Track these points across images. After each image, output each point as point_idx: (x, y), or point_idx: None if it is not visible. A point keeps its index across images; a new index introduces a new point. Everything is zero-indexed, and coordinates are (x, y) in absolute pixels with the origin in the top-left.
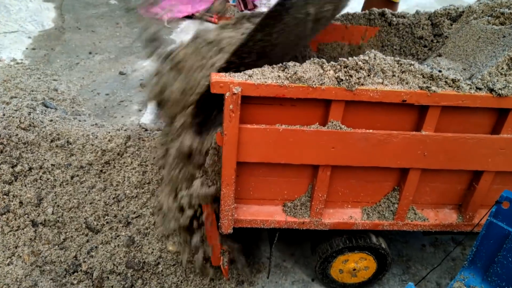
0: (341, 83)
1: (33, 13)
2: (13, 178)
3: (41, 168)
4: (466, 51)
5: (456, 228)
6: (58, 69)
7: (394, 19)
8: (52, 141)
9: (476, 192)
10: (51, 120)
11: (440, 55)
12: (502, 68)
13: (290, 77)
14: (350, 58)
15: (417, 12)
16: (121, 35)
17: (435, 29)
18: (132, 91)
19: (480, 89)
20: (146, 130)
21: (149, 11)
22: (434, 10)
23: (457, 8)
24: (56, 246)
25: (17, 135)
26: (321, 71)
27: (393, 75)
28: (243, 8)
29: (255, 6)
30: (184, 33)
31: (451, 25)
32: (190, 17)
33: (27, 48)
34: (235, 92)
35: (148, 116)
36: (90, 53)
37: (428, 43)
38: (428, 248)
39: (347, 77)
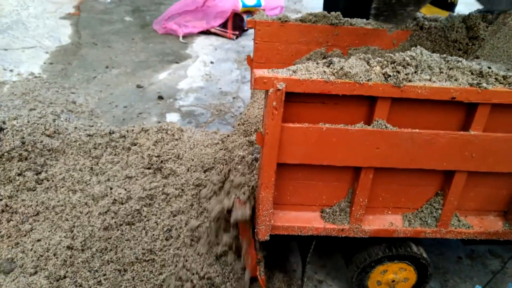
0: (388, 79)
1: (50, 29)
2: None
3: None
4: (507, 52)
5: (502, 236)
6: (76, 82)
7: (426, 22)
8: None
9: None
10: (75, 128)
11: (477, 57)
12: None
13: (336, 72)
14: (397, 54)
15: (450, 16)
16: (137, 50)
17: (470, 32)
18: (150, 103)
19: None
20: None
21: (164, 27)
22: (469, 13)
23: (493, 11)
24: None
25: (42, 141)
26: (368, 67)
27: (441, 72)
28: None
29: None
30: (200, 47)
31: (487, 27)
32: (205, 32)
33: (44, 63)
34: (279, 88)
35: None
36: (107, 67)
37: (463, 46)
38: (465, 260)
39: (395, 73)
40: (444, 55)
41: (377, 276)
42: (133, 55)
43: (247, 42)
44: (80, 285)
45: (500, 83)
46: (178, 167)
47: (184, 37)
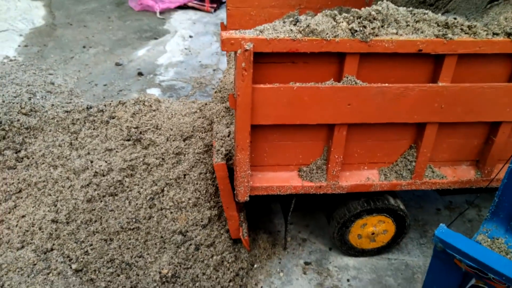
0: (355, 34)
1: (23, 11)
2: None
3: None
4: (476, 4)
5: (474, 184)
6: (53, 63)
7: None
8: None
9: (494, 146)
10: (52, 105)
11: (447, 11)
12: None
13: (302, 30)
14: (363, 9)
15: None
16: (114, 29)
17: None
18: (130, 80)
19: (497, 34)
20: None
21: (140, 3)
22: None
23: None
24: None
25: (18, 120)
26: (334, 23)
27: (407, 25)
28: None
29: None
30: (178, 22)
31: None
32: (182, 7)
33: (19, 46)
34: (247, 48)
35: None
36: (84, 47)
37: (433, 1)
38: (443, 211)
39: (361, 28)
40: (411, 8)
41: (357, 230)
42: (110, 33)
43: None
44: (68, 256)
45: (465, 33)
46: (157, 137)
47: (161, 12)
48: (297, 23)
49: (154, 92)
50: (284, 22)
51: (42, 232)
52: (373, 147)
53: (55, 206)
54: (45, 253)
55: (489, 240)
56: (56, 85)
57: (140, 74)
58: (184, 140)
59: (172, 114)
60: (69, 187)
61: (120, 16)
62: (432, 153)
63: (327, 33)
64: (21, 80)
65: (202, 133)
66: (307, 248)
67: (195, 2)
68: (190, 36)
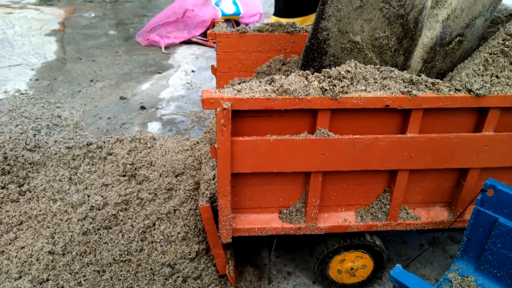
0: (325, 93)
1: (36, 46)
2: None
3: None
4: None
5: (447, 225)
6: (61, 97)
7: None
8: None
9: (464, 189)
10: (55, 141)
11: None
12: (479, 69)
13: (277, 90)
14: (333, 69)
15: None
16: (121, 63)
17: None
18: (133, 114)
19: (459, 90)
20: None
21: (146, 39)
22: None
23: None
24: None
25: (23, 156)
26: (306, 82)
27: (375, 82)
28: None
29: None
30: (181, 57)
31: None
32: (186, 42)
33: (30, 79)
34: (225, 107)
35: None
36: (91, 81)
37: None
38: (426, 247)
39: (331, 87)
40: (378, 66)
41: (337, 266)
42: (117, 67)
43: None
44: (62, 287)
45: (429, 89)
46: (151, 173)
47: (166, 47)
48: (272, 83)
49: (155, 125)
50: (260, 82)
51: (39, 263)
52: (349, 191)
53: (53, 238)
54: (40, 284)
55: (459, 278)
56: (62, 118)
57: (142, 108)
58: (176, 177)
59: (166, 151)
60: (67, 220)
61: (127, 50)
62: (406, 196)
63: (299, 92)
64: (30, 114)
65: (192, 170)
66: (292, 281)
67: (199, 37)
68: (193, 71)
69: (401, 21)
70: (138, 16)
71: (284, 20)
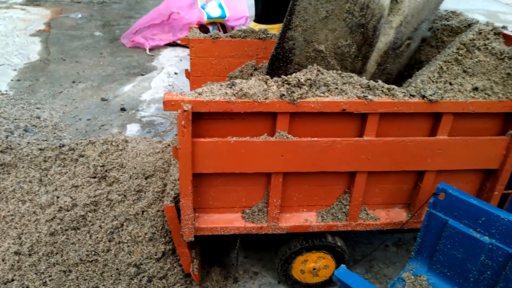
0: (283, 98)
1: (20, 47)
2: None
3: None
4: None
5: (406, 225)
6: (42, 98)
7: None
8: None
9: (421, 191)
10: (28, 143)
11: None
12: (434, 76)
13: (236, 93)
14: (293, 75)
15: None
16: (104, 64)
17: None
18: (113, 115)
19: (413, 96)
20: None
21: (131, 40)
22: None
23: None
24: None
25: None
26: (266, 86)
27: (336, 88)
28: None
29: None
30: (165, 59)
31: None
32: (172, 44)
33: (12, 80)
34: (186, 109)
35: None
36: (73, 82)
37: None
38: (391, 247)
39: (289, 93)
40: (340, 72)
41: (299, 266)
42: (100, 69)
43: None
44: (27, 287)
45: (385, 94)
46: (121, 175)
47: (151, 49)
48: (232, 87)
49: (134, 127)
50: (221, 86)
51: (4, 263)
52: (310, 192)
53: (20, 238)
54: (5, 284)
55: (413, 277)
56: (41, 119)
57: (123, 109)
58: (145, 179)
59: (137, 154)
60: (35, 221)
61: (112, 52)
62: (365, 197)
63: (258, 96)
64: (8, 114)
65: (162, 172)
66: (258, 281)
67: None
68: (175, 73)
69: (362, 29)
70: (125, 18)
71: (264, 27)
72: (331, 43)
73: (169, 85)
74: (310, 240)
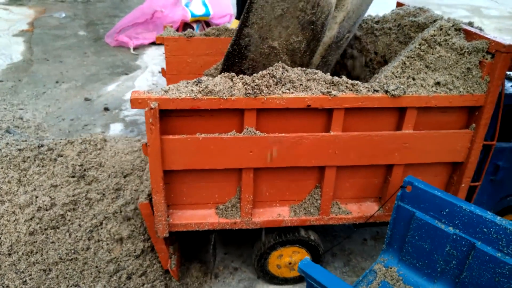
0: (248, 95)
1: (2, 47)
2: None
3: None
4: None
5: (377, 219)
6: (25, 99)
7: None
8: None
9: (390, 184)
10: (7, 143)
11: None
12: (397, 71)
13: (202, 90)
14: (259, 73)
15: None
16: (88, 64)
17: None
18: (96, 115)
19: (377, 91)
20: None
21: (115, 40)
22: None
23: (373, 18)
24: None
25: None
26: (231, 83)
27: (301, 84)
28: None
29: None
30: (150, 58)
31: None
32: (155, 43)
33: None
34: (153, 107)
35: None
36: (57, 82)
37: None
38: (369, 241)
39: (255, 90)
40: (304, 68)
41: (275, 261)
42: (84, 69)
43: None
44: (7, 286)
45: (350, 90)
46: (100, 174)
47: (135, 48)
48: (199, 84)
49: (117, 126)
50: (187, 83)
51: None
52: (282, 187)
53: None
54: None
55: (384, 268)
56: (24, 120)
57: (106, 109)
58: (124, 177)
59: (115, 153)
60: (14, 221)
61: (96, 51)
62: (336, 191)
63: (224, 93)
64: None
65: (140, 171)
66: (237, 276)
67: None
68: (159, 72)
69: (312, 26)
70: (109, 17)
71: None
72: (284, 39)
73: (153, 84)
74: (283, 235)
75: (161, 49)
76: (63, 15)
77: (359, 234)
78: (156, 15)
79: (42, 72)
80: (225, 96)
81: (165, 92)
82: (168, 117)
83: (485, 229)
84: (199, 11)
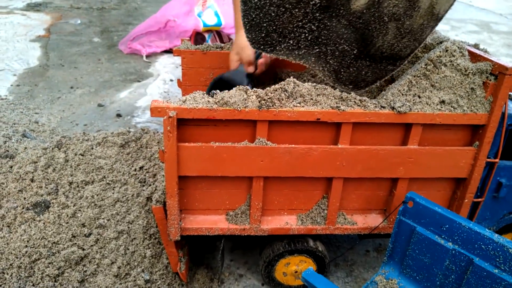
0: (261, 107)
1: (20, 52)
2: None
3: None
4: None
5: (382, 230)
6: (40, 103)
7: None
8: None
9: (395, 197)
10: (25, 148)
11: None
12: (403, 89)
13: (218, 101)
14: (272, 86)
15: None
16: (102, 70)
17: None
18: (109, 121)
19: (384, 107)
20: None
21: (129, 47)
22: None
23: None
24: None
25: None
26: (245, 96)
27: (311, 99)
28: (218, 42)
29: (230, 40)
30: (162, 66)
31: None
32: (168, 51)
33: (11, 85)
34: (171, 115)
35: None
36: (71, 87)
37: None
38: (372, 253)
39: (268, 103)
40: (315, 84)
41: (282, 268)
42: (98, 75)
43: None
44: None
45: (358, 105)
46: None
47: (148, 56)
48: (214, 95)
49: None
50: (204, 94)
51: None
52: (290, 196)
53: None
54: None
55: (385, 280)
56: (40, 124)
57: (118, 115)
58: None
59: None
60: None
61: (109, 58)
62: (343, 202)
63: (239, 104)
64: (8, 119)
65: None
66: (242, 283)
67: None
68: (171, 80)
69: None
70: (123, 24)
71: None
72: None
73: (165, 91)
74: (292, 244)
75: (173, 58)
76: (79, 21)
77: (362, 245)
78: (169, 24)
79: (57, 77)
80: (239, 108)
81: (183, 102)
82: (185, 125)
83: (483, 246)
84: (211, 21)
